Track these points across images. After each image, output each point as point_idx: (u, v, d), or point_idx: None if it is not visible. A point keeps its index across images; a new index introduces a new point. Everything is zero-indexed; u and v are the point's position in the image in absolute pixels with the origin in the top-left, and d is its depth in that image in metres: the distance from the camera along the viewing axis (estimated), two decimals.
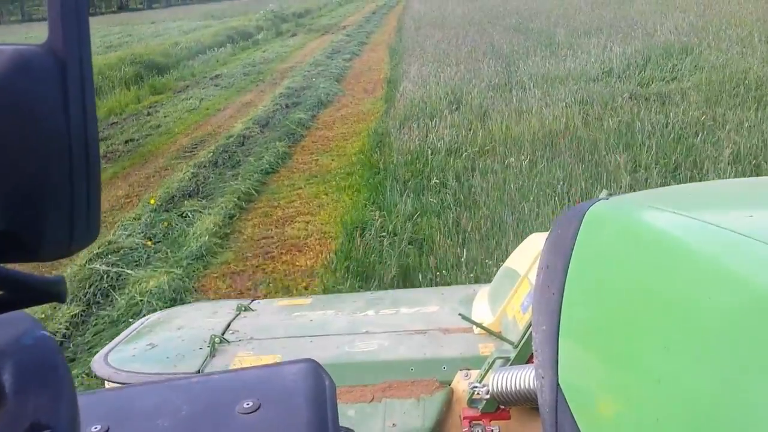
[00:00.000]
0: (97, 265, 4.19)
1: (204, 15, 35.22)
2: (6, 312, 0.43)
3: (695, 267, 0.65)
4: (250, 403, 0.75)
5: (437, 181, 4.98)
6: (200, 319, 1.75)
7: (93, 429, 0.75)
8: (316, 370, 0.82)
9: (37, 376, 0.47)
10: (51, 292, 0.45)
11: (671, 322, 0.62)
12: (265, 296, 3.53)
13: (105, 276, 4.07)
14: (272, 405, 0.76)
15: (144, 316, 2.18)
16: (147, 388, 0.92)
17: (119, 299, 3.81)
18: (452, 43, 12.14)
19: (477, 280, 3.22)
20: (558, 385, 0.76)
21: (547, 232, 0.92)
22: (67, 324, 3.59)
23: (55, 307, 3.69)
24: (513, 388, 1.19)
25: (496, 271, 1.66)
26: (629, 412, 0.64)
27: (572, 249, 0.80)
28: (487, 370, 1.29)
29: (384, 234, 4.18)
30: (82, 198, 0.42)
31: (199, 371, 1.46)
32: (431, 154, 5.52)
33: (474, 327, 1.50)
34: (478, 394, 1.27)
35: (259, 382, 0.82)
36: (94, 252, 4.33)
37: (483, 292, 1.68)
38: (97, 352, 1.63)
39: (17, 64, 0.39)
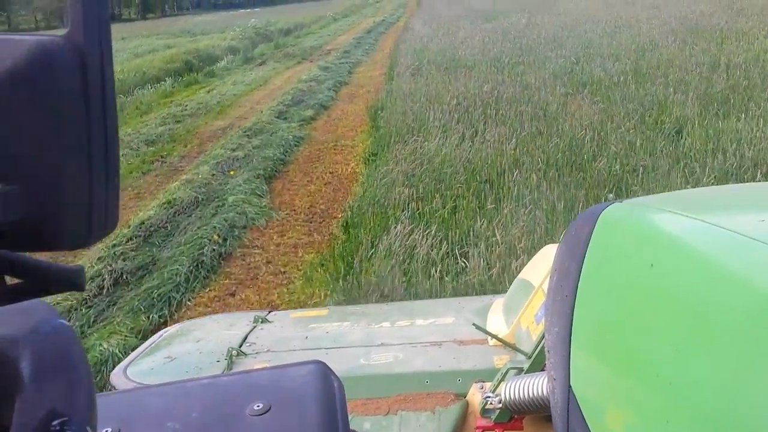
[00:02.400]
0: None
1: (181, 30, 31.95)
2: (27, 299, 0.45)
3: (708, 271, 0.67)
4: (261, 405, 0.76)
5: None
6: (218, 331, 1.80)
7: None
8: (324, 372, 0.84)
9: (55, 365, 0.46)
10: (71, 281, 0.46)
11: (683, 326, 0.63)
12: None
13: None
14: (282, 407, 0.77)
15: None
16: (157, 390, 0.91)
17: None
18: (475, 121, 6.61)
19: None
20: (570, 387, 0.77)
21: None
22: None
23: None
24: (525, 396, 1.19)
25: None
26: (640, 415, 0.65)
27: (586, 251, 0.82)
28: (500, 380, 1.29)
29: None
30: (100, 189, 0.43)
31: None
32: None
33: (489, 338, 1.53)
34: (491, 403, 1.27)
35: (268, 384, 0.83)
36: None
37: (498, 303, 1.71)
38: None
39: (38, 54, 0.40)
